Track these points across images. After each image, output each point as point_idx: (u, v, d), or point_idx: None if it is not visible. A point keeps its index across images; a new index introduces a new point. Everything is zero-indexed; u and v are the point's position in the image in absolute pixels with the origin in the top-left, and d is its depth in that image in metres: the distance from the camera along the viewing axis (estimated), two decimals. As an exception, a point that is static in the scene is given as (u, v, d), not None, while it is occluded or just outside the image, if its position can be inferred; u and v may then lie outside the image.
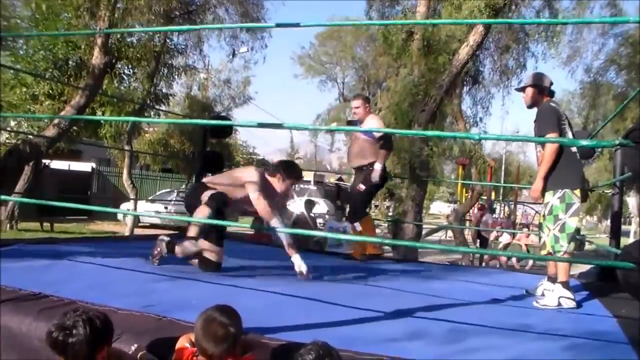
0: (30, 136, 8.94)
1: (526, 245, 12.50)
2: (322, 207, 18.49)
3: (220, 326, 1.78)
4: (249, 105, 20.23)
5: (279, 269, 3.99)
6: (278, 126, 2.89)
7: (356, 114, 5.00)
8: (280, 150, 37.83)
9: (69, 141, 11.88)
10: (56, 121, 8.24)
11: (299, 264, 3.64)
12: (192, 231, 3.68)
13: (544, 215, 3.49)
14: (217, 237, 3.69)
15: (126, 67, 12.45)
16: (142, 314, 2.30)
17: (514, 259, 11.83)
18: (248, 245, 5.79)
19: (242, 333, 1.87)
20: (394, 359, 1.98)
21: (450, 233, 17.53)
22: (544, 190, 3.39)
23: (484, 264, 12.21)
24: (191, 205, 3.86)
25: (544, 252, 3.49)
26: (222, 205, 3.62)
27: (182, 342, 1.94)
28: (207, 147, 6.59)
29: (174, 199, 16.49)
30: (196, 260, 3.73)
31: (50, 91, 11.48)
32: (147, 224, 15.51)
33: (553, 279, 3.40)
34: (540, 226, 3.69)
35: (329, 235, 3.97)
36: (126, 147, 13.14)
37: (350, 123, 5.91)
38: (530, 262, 11.46)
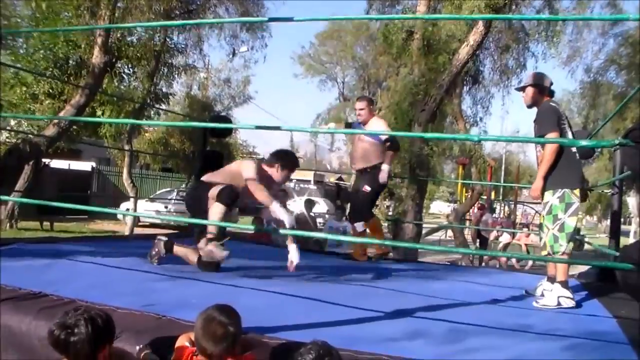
0: (31, 135, 8.95)
1: (526, 245, 12.50)
2: (322, 206, 18.50)
3: (220, 325, 1.79)
4: (249, 105, 20.28)
5: (279, 269, 3.99)
6: (276, 128, 2.90)
7: (360, 115, 4.97)
8: (281, 150, 37.73)
9: (69, 140, 11.90)
10: (56, 120, 8.25)
11: (294, 254, 3.59)
12: (212, 232, 3.56)
13: (543, 215, 3.50)
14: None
15: (126, 66, 12.45)
16: (142, 313, 2.30)
17: (513, 259, 11.83)
18: (248, 245, 5.79)
19: (242, 332, 1.87)
20: (394, 359, 1.98)
21: (450, 232, 17.55)
22: (543, 190, 3.39)
23: (483, 263, 12.21)
24: (192, 205, 3.84)
25: (544, 253, 3.48)
26: (234, 200, 3.54)
27: (182, 341, 1.94)
28: (207, 146, 6.59)
29: (174, 197, 16.49)
30: (195, 260, 3.72)
31: (51, 90, 11.47)
32: (147, 223, 15.51)
33: (552, 279, 3.40)
34: (540, 226, 3.69)
35: (330, 236, 3.96)
36: (126, 147, 13.15)
37: (348, 125, 5.90)
38: (530, 262, 11.46)
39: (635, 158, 4.15)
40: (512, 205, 20.15)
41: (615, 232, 4.66)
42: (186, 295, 2.89)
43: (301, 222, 7.95)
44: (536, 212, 15.56)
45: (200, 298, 2.57)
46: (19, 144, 8.27)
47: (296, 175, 22.47)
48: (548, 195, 3.39)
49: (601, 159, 17.36)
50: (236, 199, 3.56)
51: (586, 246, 8.34)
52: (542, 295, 3.45)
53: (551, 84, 3.53)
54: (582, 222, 30.37)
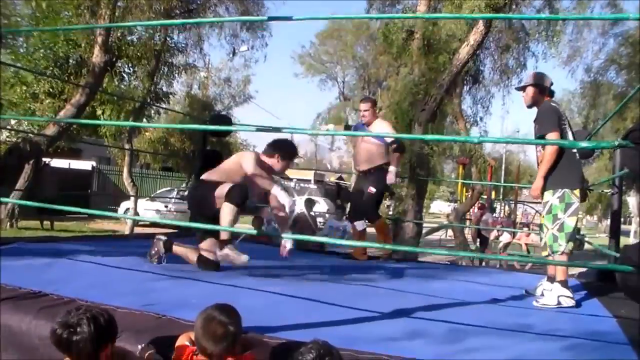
0: (31, 135, 8.95)
1: (526, 244, 12.50)
2: (322, 206, 18.50)
3: (220, 325, 1.79)
4: (249, 104, 20.29)
5: (279, 269, 3.99)
6: (277, 130, 2.91)
7: (364, 116, 4.98)
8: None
9: (69, 140, 11.89)
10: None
11: (288, 240, 3.60)
12: (224, 234, 3.50)
13: (543, 215, 3.50)
14: (217, 235, 3.67)
15: (126, 66, 12.44)
16: (142, 313, 2.30)
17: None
18: (248, 245, 5.77)
19: (242, 332, 1.87)
20: (394, 358, 1.98)
21: (450, 232, 17.54)
22: (543, 189, 3.40)
23: (483, 263, 12.19)
24: (195, 204, 3.83)
25: (544, 253, 3.49)
26: (245, 199, 3.49)
27: (182, 341, 1.94)
28: (207, 145, 6.60)
29: (175, 197, 16.49)
30: (195, 259, 3.72)
31: (51, 89, 11.46)
32: (148, 222, 15.50)
33: (552, 279, 3.40)
34: (541, 226, 3.70)
35: (331, 241, 3.94)
36: (126, 146, 13.15)
37: (348, 127, 5.90)
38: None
39: (635, 159, 4.16)
40: (513, 205, 20.16)
41: (615, 232, 4.66)
42: (186, 294, 2.89)
43: (301, 221, 7.95)
44: (536, 211, 15.56)
45: (200, 298, 2.57)
46: (19, 143, 8.28)
47: (296, 174, 22.54)
48: (548, 195, 3.39)
49: (601, 159, 17.37)
50: (247, 199, 3.51)
51: (586, 246, 8.34)
52: (542, 295, 3.46)
53: (551, 83, 3.53)
54: (583, 221, 30.39)
